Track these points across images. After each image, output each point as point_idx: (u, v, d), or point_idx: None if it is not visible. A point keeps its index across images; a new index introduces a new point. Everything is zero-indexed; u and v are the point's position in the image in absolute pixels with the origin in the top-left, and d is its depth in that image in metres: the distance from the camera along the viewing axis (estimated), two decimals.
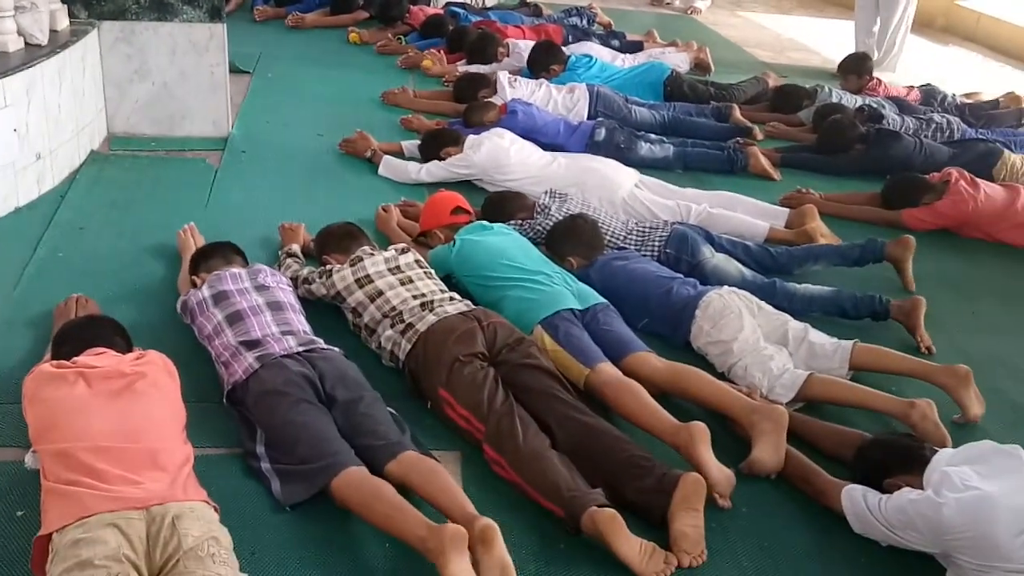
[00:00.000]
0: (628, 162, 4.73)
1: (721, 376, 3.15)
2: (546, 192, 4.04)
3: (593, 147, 4.84)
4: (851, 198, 4.71)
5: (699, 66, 6.73)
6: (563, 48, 6.13)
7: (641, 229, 3.86)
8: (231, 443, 2.67)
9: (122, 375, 2.47)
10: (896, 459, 2.59)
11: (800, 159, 5.21)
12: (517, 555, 2.30)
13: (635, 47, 6.82)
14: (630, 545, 2.34)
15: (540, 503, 2.51)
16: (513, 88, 5.31)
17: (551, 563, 2.38)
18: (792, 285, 3.63)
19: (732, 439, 2.83)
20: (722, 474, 2.60)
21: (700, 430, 2.63)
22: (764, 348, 3.15)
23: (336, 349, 2.87)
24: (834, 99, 5.78)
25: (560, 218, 3.76)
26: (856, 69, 6.48)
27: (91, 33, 4.29)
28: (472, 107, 5.01)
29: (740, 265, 3.73)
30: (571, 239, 3.63)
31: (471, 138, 4.50)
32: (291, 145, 4.76)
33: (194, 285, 3.12)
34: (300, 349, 2.79)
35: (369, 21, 7.02)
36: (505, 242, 3.49)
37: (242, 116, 5.07)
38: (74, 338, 2.65)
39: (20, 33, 3.86)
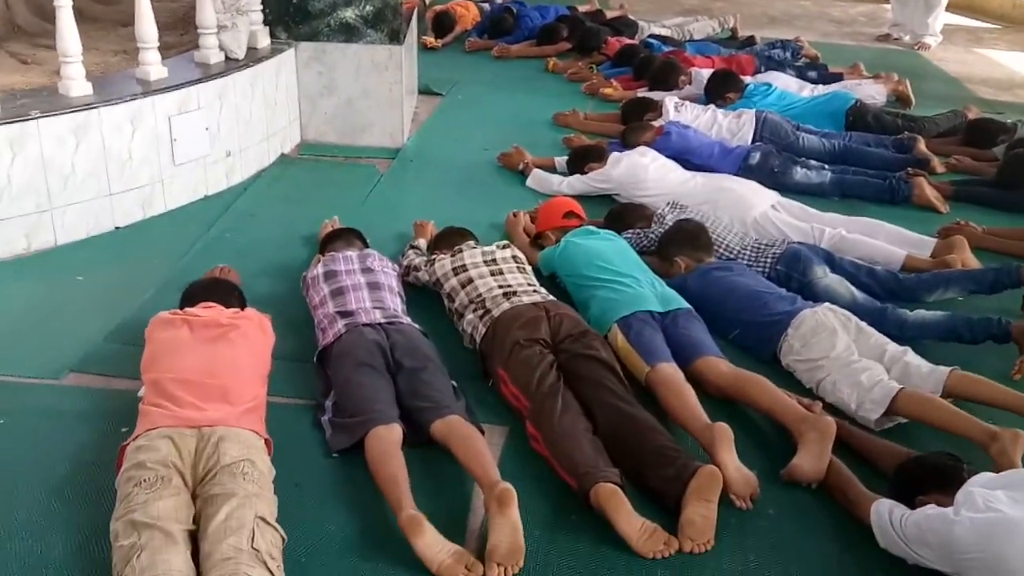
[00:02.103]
0: (782, 187, 4.73)
1: (808, 393, 3.12)
2: (668, 204, 4.15)
3: (746, 170, 4.85)
4: (1017, 233, 4.40)
5: (899, 99, 6.48)
6: (744, 77, 6.15)
7: (756, 245, 3.87)
8: (311, 396, 3.02)
9: (219, 325, 2.90)
10: (931, 476, 2.50)
11: (975, 193, 4.92)
12: (527, 519, 2.45)
13: (834, 78, 6.68)
14: (630, 521, 2.44)
15: (561, 476, 2.65)
16: (678, 112, 5.44)
17: (556, 531, 2.52)
18: (904, 311, 3.50)
19: (786, 445, 2.83)
20: (740, 475, 2.62)
21: (722, 431, 2.69)
22: (856, 362, 3.08)
23: (415, 326, 3.17)
24: None
25: None
26: None
27: (288, 52, 4.90)
28: (630, 128, 5.19)
29: (853, 288, 3.64)
30: (677, 240, 3.74)
31: (614, 155, 4.69)
32: (456, 157, 5.16)
33: (316, 264, 3.54)
34: (382, 320, 3.11)
35: (570, 51, 7.36)
36: (605, 246, 3.65)
37: (422, 131, 5.55)
38: (195, 294, 3.13)
39: (221, 48, 4.51)
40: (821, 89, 6.25)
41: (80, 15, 5.24)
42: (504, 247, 3.57)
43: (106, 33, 4.30)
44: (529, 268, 3.53)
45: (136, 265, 3.76)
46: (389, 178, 4.85)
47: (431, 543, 2.34)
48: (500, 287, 3.31)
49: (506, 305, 3.19)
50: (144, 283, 3.62)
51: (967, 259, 3.98)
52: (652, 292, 3.38)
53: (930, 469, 2.53)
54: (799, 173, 4.87)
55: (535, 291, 3.31)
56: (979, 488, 2.31)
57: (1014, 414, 2.95)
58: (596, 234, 3.77)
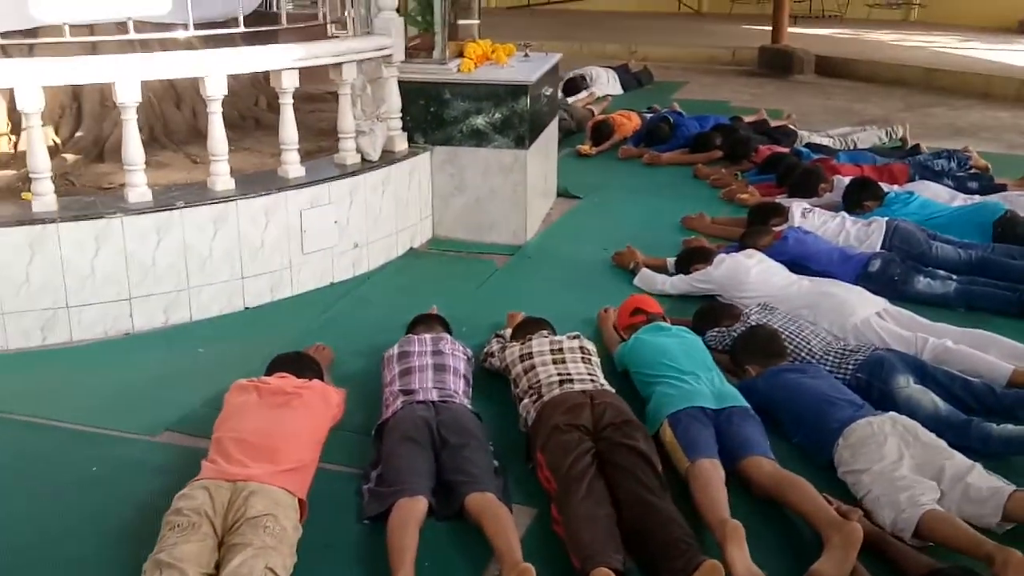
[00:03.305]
0: (903, 295, 4.61)
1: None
2: (759, 305, 4.14)
3: (866, 278, 4.74)
4: None
5: None
6: (891, 186, 6.01)
7: (842, 350, 3.79)
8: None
9: (284, 393, 3.21)
10: None
11: None
12: None
13: (996, 189, 6.37)
14: None
15: (571, 557, 2.70)
16: (804, 218, 5.39)
17: None
18: (990, 426, 3.31)
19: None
20: (748, 573, 2.57)
21: (734, 527, 2.68)
22: (900, 478, 2.96)
23: (468, 406, 3.34)
24: None
25: None
26: None
27: (423, 155, 5.32)
28: (749, 231, 5.20)
29: (938, 399, 3.47)
30: (746, 348, 3.75)
31: (719, 255, 4.72)
32: (574, 256, 5.34)
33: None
34: (436, 399, 3.30)
35: (721, 160, 7.43)
36: (672, 343, 3.70)
37: (549, 230, 5.80)
38: (276, 364, 3.48)
39: (358, 151, 4.97)
40: (975, 200, 5.98)
41: (257, 123, 5.97)
42: (574, 338, 3.69)
43: (273, 137, 4.87)
44: (596, 359, 3.62)
45: (253, 342, 4.16)
46: (504, 272, 5.11)
47: None
48: (559, 374, 3.42)
49: (556, 391, 3.31)
50: (255, 357, 3.97)
51: None
52: (710, 388, 3.39)
53: None
54: (922, 283, 4.69)
55: (592, 380, 3.40)
56: None
57: None
58: (667, 331, 3.82)
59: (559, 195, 6.47)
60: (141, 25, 4.77)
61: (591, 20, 17.42)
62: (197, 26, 4.72)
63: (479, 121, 5.28)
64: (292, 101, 4.57)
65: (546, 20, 17.61)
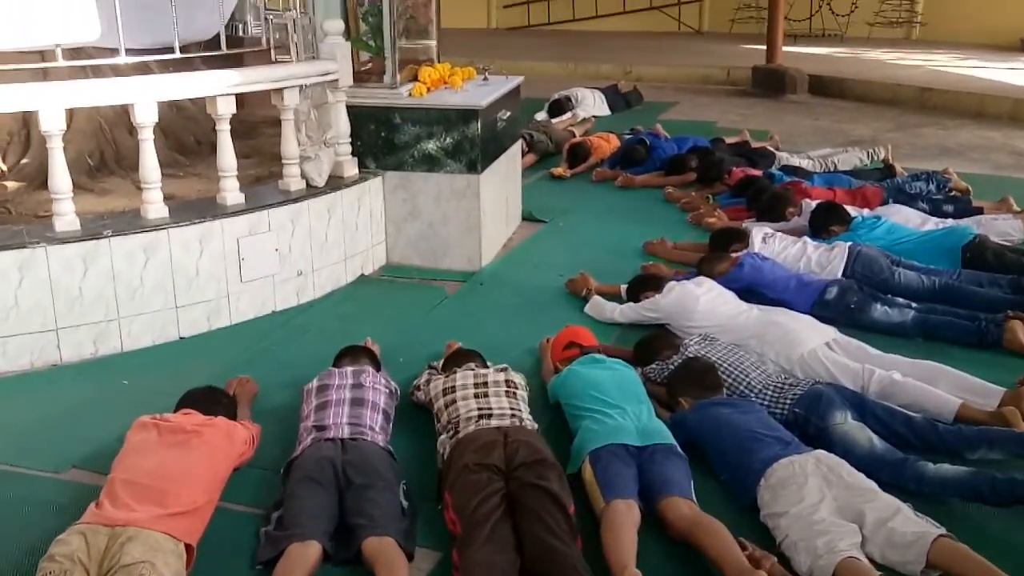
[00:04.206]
0: (860, 324, 4.49)
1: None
2: (700, 336, 4.02)
3: (822, 305, 4.61)
4: None
5: None
6: (859, 211, 5.87)
7: (780, 384, 3.65)
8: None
9: (184, 431, 3.10)
10: None
11: None
12: None
13: (971, 213, 6.21)
14: None
15: None
16: (765, 244, 5.25)
17: None
18: (925, 465, 3.17)
19: None
20: None
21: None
22: (819, 522, 2.82)
23: (379, 444, 3.21)
24: None
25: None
26: None
27: (374, 180, 5.23)
28: (706, 258, 5.08)
29: (874, 437, 3.32)
30: (680, 380, 3.64)
31: (669, 283, 4.59)
32: (527, 283, 5.22)
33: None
34: (346, 436, 3.18)
35: (693, 183, 7.29)
36: (604, 376, 3.57)
37: (508, 256, 5.69)
38: (184, 401, 3.37)
39: (303, 176, 4.87)
40: (948, 224, 5.83)
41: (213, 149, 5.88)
42: (500, 370, 3.57)
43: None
44: (523, 393, 3.50)
45: (181, 373, 4.04)
46: (453, 300, 4.99)
47: None
48: (479, 409, 3.30)
49: (471, 428, 3.18)
50: (180, 389, 3.85)
51: None
52: (635, 424, 3.27)
53: None
54: (879, 311, 4.55)
55: (513, 416, 3.28)
56: None
57: None
58: (601, 363, 3.70)
59: (524, 219, 6.36)
60: (77, 53, 4.69)
61: (589, 40, 17.34)
62: (146, 52, 4.64)
63: (430, 146, 5.18)
64: (228, 127, 4.48)
65: (544, 41, 17.53)
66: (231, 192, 4.56)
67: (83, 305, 4.12)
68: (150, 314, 4.30)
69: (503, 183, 5.78)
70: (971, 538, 2.79)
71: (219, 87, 4.32)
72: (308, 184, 4.92)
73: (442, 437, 3.28)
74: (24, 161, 5.17)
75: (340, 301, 4.94)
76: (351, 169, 5.16)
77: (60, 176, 4.07)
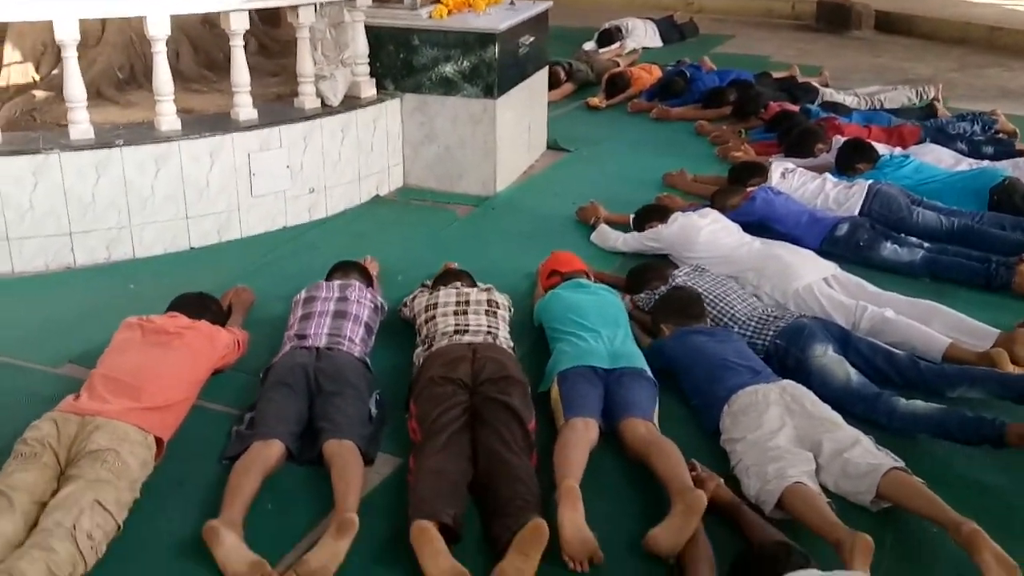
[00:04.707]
0: (868, 262, 4.44)
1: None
2: (691, 267, 4.00)
3: (832, 241, 4.54)
4: None
5: None
6: (885, 147, 5.71)
7: (764, 316, 3.63)
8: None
9: (166, 332, 3.22)
10: (758, 566, 2.26)
11: None
12: (357, 547, 2.50)
13: (1012, 155, 5.99)
14: (436, 562, 2.43)
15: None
16: (784, 179, 5.16)
17: (376, 564, 2.53)
18: (897, 400, 3.15)
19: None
20: (578, 536, 2.50)
21: (567, 489, 2.62)
22: (773, 448, 2.83)
23: (353, 353, 3.29)
24: None
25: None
26: None
27: (391, 101, 5.25)
28: (719, 191, 5.02)
29: (852, 370, 3.30)
30: (665, 308, 3.64)
31: (674, 214, 4.55)
32: (539, 210, 5.22)
33: None
34: (321, 345, 3.26)
35: (729, 116, 7.13)
36: (586, 299, 3.59)
37: (526, 183, 5.69)
38: (175, 304, 3.49)
39: (318, 95, 4.92)
40: (983, 165, 5.63)
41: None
42: (484, 290, 3.61)
43: (254, 79, 4.85)
44: (503, 313, 3.54)
45: (187, 280, 4.15)
46: (462, 223, 5.03)
47: (228, 551, 2.45)
48: (455, 326, 3.36)
49: (444, 343, 3.24)
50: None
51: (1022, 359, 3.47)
52: (607, 348, 3.29)
53: (757, 559, 2.29)
54: (888, 249, 4.46)
55: (489, 333, 3.33)
56: None
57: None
58: (585, 288, 3.72)
59: (549, 148, 6.33)
60: None
61: None
62: None
63: (448, 69, 5.17)
64: (243, 43, 4.54)
65: None
66: (244, 108, 4.64)
67: (95, 211, 4.26)
68: (162, 223, 4.43)
69: (525, 110, 5.75)
70: (933, 474, 2.79)
71: (232, 2, 4.37)
72: (323, 103, 4.96)
73: (418, 350, 3.35)
74: (55, 72, 5.30)
75: (351, 220, 5.02)
76: (368, 90, 5.19)
77: (75, 85, 4.19)
